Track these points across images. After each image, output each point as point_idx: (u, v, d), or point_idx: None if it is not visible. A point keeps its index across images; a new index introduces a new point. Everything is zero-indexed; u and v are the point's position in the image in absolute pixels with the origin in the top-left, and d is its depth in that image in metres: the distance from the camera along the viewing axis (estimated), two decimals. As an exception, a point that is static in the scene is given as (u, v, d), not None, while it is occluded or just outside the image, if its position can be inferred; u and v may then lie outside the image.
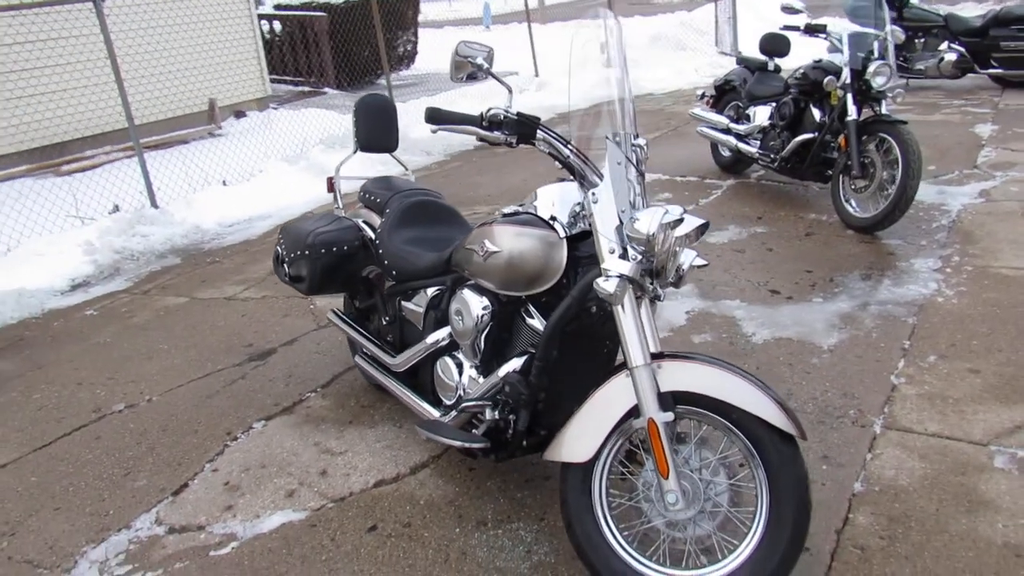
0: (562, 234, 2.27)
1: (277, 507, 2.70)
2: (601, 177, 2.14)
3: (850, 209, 4.74)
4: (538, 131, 2.13)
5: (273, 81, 10.14)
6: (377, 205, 3.12)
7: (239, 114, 9.18)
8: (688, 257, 2.32)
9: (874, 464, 2.63)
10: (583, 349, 2.35)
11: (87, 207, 6.18)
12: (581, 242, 2.27)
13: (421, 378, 2.81)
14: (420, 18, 12.56)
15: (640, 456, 2.17)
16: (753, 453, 2.01)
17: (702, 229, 2.18)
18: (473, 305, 2.45)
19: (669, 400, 2.05)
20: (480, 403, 2.36)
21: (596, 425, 2.11)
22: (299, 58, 11.12)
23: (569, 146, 2.16)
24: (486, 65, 2.20)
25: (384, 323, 3.05)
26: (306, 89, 10.88)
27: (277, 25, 11.19)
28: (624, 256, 2.06)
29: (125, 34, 7.93)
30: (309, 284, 3.05)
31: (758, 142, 5.62)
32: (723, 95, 6.23)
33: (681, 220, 2.07)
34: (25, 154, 7.46)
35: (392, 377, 2.92)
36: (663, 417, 2.02)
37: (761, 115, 5.60)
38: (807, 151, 5.09)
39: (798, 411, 2.95)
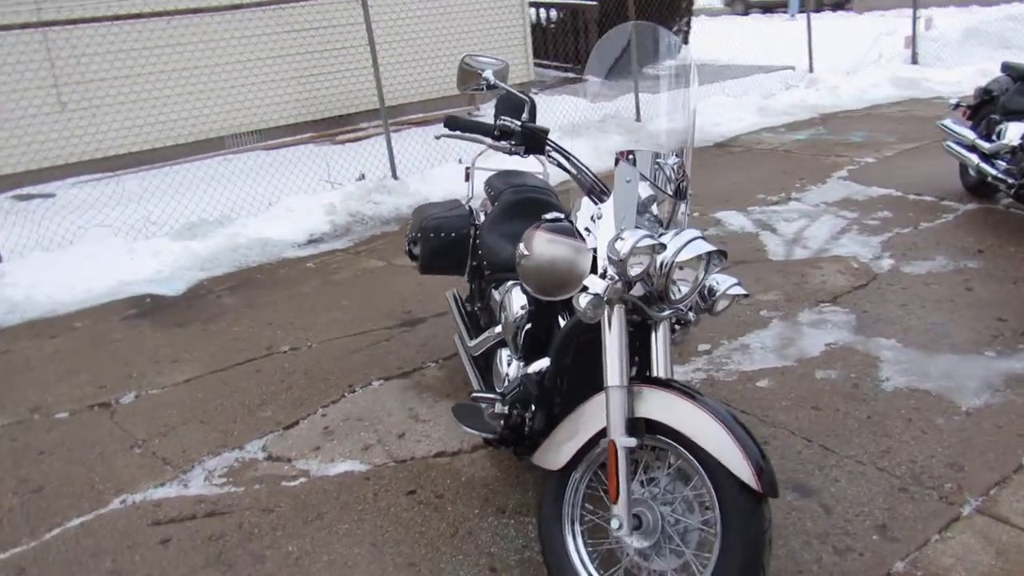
0: (591, 244, 2.29)
1: (349, 457, 3.05)
2: (608, 193, 2.14)
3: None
4: (545, 144, 2.17)
5: (541, 66, 10.64)
6: (492, 197, 3.31)
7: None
8: (724, 284, 2.23)
9: (936, 547, 2.30)
10: (583, 362, 2.35)
11: (340, 174, 7.10)
12: None
13: (487, 364, 2.97)
14: (719, 5, 12.26)
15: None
16: (714, 499, 1.92)
17: (718, 256, 2.09)
18: (515, 303, 2.55)
19: (640, 426, 2.01)
20: (491, 396, 2.47)
21: (573, 437, 2.14)
22: (568, 44, 11.53)
23: (575, 161, 2.17)
24: (492, 80, 2.27)
25: (476, 308, 3.25)
26: (571, 76, 11.26)
27: (552, 12, 11.69)
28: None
29: (394, 21, 8.89)
30: (420, 263, 3.34)
31: (1003, 163, 4.85)
32: (982, 106, 5.43)
33: (664, 245, 2.00)
34: (311, 124, 8.72)
35: (469, 360, 3.12)
36: (624, 441, 1.99)
37: (1014, 132, 4.82)
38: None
39: (886, 472, 2.65)
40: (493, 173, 3.56)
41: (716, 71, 11.29)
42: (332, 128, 8.83)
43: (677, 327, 2.37)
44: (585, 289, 2.03)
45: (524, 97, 2.30)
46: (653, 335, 2.19)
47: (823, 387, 3.22)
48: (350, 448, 3.11)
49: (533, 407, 2.44)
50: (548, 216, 2.57)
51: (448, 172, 7.28)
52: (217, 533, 2.66)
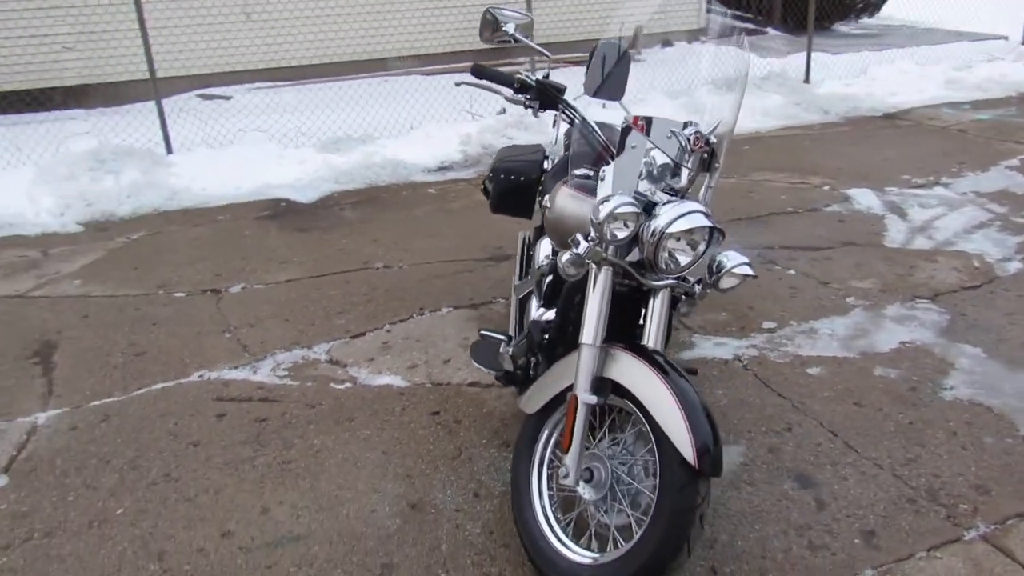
0: None
1: (395, 372, 3.30)
2: (614, 156, 2.16)
3: None
4: (559, 102, 2.20)
5: (719, 14, 10.19)
6: (566, 147, 3.35)
7: (666, 43, 9.53)
8: (732, 261, 2.21)
9: (916, 564, 2.21)
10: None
11: (482, 106, 7.29)
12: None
13: (524, 307, 3.08)
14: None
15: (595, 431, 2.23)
16: (657, 467, 1.97)
17: (714, 233, 2.07)
18: (541, 252, 2.65)
19: (605, 385, 2.08)
20: (499, 336, 2.60)
21: (549, 386, 2.24)
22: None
23: (587, 122, 2.19)
24: (511, 32, 2.29)
25: (531, 253, 3.35)
26: (750, 26, 10.70)
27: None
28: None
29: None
30: (491, 203, 3.47)
31: None
32: None
33: (654, 214, 2.00)
34: (471, 53, 8.92)
35: (516, 301, 3.24)
36: (586, 398, 2.07)
37: None
38: None
39: (901, 480, 2.54)
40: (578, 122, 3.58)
41: (912, 35, 10.32)
42: (490, 59, 9.00)
43: (685, 298, 2.37)
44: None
45: (547, 54, 2.33)
46: (651, 304, 2.22)
47: (876, 384, 3.07)
48: (398, 364, 3.36)
49: (538, 353, 2.54)
50: (578, 172, 2.62)
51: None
52: (263, 416, 3.01)
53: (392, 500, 2.53)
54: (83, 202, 5.44)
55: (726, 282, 2.25)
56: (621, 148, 2.20)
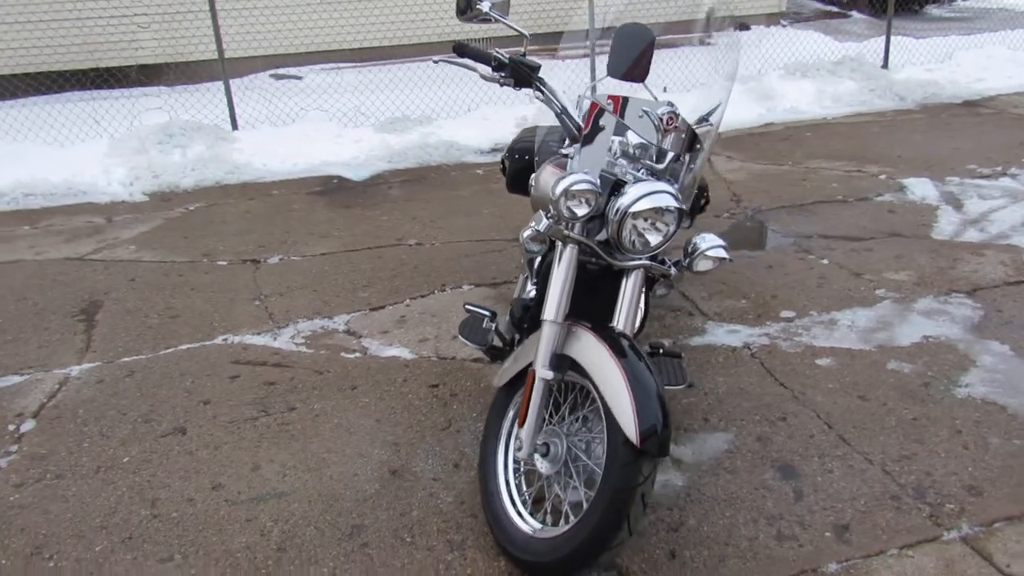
0: None
1: (404, 344, 3.39)
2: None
3: None
4: (533, 80, 2.21)
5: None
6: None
7: (742, 27, 9.26)
8: (705, 244, 2.20)
9: (884, 561, 2.14)
10: (579, 300, 2.40)
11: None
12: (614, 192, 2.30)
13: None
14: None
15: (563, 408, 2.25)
16: (605, 445, 1.97)
17: (682, 215, 2.06)
18: (530, 229, 2.66)
19: (564, 362, 2.09)
20: (482, 312, 2.63)
21: (516, 361, 2.26)
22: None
23: (559, 102, 2.20)
24: (486, 10, 2.29)
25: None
26: (833, 9, 10.27)
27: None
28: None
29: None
30: (506, 181, 3.50)
31: None
32: None
33: (606, 192, 2.00)
34: (537, 36, 8.91)
35: (521, 279, 3.27)
36: (543, 373, 2.09)
37: None
38: None
39: (890, 476, 2.45)
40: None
41: (1009, 18, 9.68)
42: (553, 44, 8.96)
43: (663, 279, 2.36)
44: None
45: (523, 33, 2.34)
46: (622, 284, 2.21)
47: (886, 378, 2.96)
48: (409, 338, 3.44)
49: (522, 329, 2.57)
50: (564, 151, 2.62)
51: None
52: (272, 380, 3.15)
53: (375, 466, 2.62)
54: (151, 173, 5.76)
55: (700, 264, 2.23)
56: (593, 127, 2.20)
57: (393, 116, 6.72)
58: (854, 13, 10.04)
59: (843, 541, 2.22)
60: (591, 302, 2.39)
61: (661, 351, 2.55)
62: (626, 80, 3.56)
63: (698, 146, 2.34)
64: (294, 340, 3.48)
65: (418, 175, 5.83)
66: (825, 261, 3.98)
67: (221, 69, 6.38)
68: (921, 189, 4.89)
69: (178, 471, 2.63)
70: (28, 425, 2.92)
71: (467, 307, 2.72)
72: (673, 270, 2.26)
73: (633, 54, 3.43)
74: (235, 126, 6.47)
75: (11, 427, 2.91)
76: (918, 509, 2.32)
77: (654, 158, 2.21)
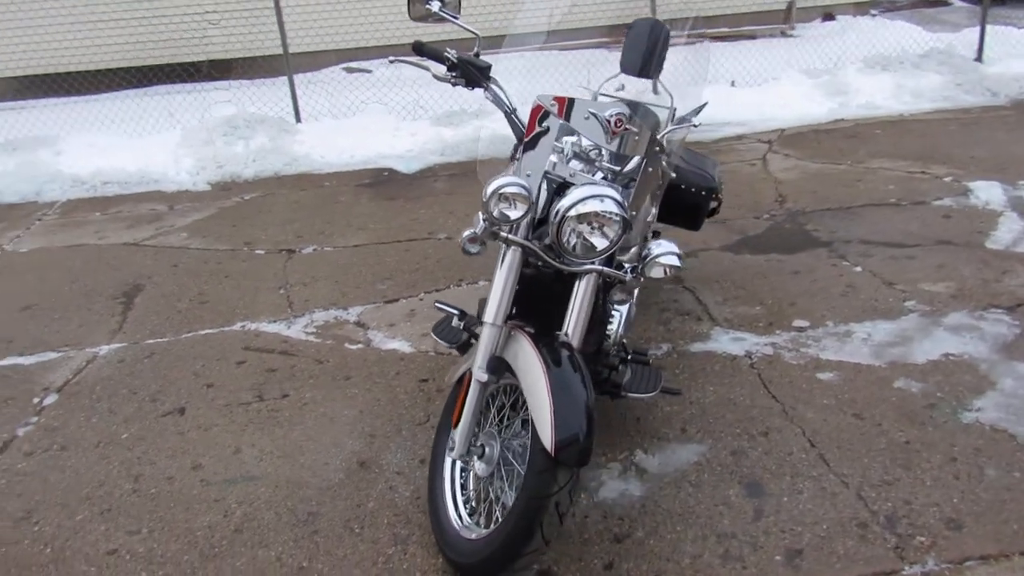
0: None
1: (406, 338, 3.44)
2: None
3: None
4: (482, 81, 2.19)
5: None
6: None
7: (827, 16, 8.84)
8: (657, 250, 2.16)
9: (831, 591, 2.03)
10: (533, 300, 2.38)
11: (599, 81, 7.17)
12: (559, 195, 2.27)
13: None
14: None
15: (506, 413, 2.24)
16: (527, 450, 1.96)
17: (625, 221, 2.01)
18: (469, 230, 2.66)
19: (501, 365, 2.08)
20: (450, 310, 2.64)
21: (464, 361, 2.27)
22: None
23: (507, 102, 2.17)
24: (435, 10, 2.26)
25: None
26: (929, -2, 9.65)
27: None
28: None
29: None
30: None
31: None
32: None
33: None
34: (607, 28, 8.79)
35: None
36: (479, 375, 2.09)
37: None
38: None
39: (864, 502, 2.32)
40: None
41: None
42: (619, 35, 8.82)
43: (620, 285, 2.32)
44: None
45: (476, 33, 2.31)
46: (575, 288, 2.18)
47: (889, 397, 2.79)
48: (413, 331, 3.50)
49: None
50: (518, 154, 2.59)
51: (715, 93, 6.97)
52: (274, 367, 3.27)
53: (346, 456, 2.68)
54: (215, 164, 6.04)
55: (652, 271, 2.18)
56: (537, 129, 2.18)
57: (450, 110, 6.78)
58: (956, 1, 9.39)
59: (791, 566, 2.12)
60: (547, 305, 2.36)
61: (629, 356, 2.49)
62: (640, 76, 3.51)
63: (657, 149, 2.28)
64: (305, 329, 3.59)
65: (466, 168, 5.88)
66: (858, 269, 3.77)
67: (285, 63, 6.61)
68: (987, 193, 4.56)
69: (167, 449, 2.77)
70: (51, 399, 3.14)
71: (437, 305, 2.74)
72: (628, 276, 2.21)
73: (646, 50, 3.37)
74: (298, 119, 6.70)
75: (36, 400, 3.14)
76: (884, 539, 2.18)
77: (606, 160, 2.17)
